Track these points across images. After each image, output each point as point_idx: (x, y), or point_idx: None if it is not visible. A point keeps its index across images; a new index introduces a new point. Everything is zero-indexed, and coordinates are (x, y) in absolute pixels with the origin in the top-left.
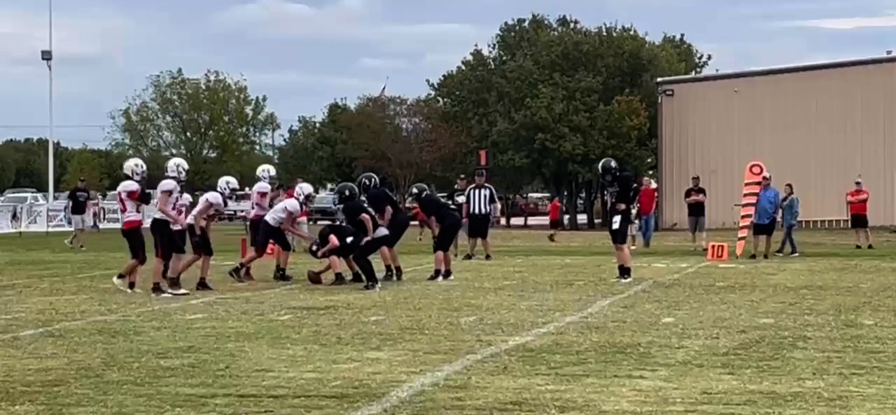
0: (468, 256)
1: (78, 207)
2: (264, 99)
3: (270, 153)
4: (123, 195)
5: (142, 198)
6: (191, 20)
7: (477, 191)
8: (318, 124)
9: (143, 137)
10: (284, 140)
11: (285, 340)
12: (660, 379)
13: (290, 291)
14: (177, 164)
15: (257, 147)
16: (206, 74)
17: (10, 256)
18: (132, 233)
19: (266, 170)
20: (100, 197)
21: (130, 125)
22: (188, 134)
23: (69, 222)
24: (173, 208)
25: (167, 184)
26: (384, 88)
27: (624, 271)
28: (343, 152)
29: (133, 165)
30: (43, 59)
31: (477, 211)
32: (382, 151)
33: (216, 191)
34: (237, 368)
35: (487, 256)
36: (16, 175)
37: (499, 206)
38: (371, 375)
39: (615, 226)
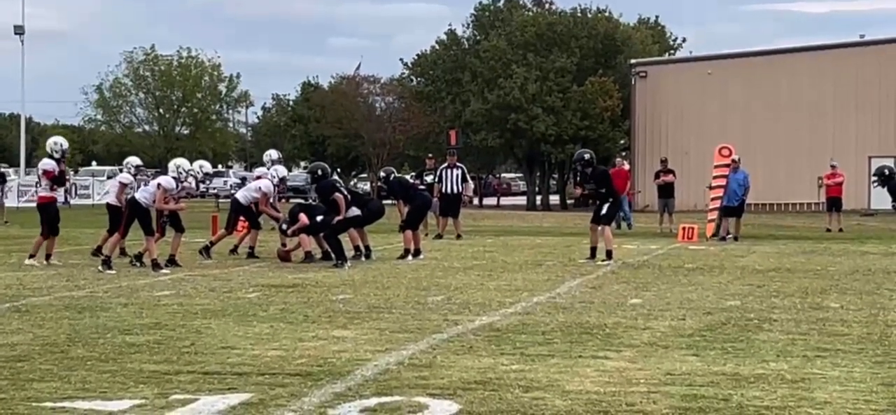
0: (438, 236)
1: None
2: (238, 76)
3: (243, 130)
4: (40, 172)
5: (56, 179)
6: None
7: (449, 170)
8: (291, 102)
9: (115, 113)
10: (257, 118)
11: (252, 317)
12: (624, 360)
13: (259, 268)
14: (177, 165)
15: (230, 124)
16: (178, 51)
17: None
18: (44, 208)
19: (269, 155)
20: (71, 173)
21: (103, 101)
22: (161, 111)
23: None
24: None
25: (167, 182)
26: (358, 67)
27: (609, 254)
28: (316, 131)
29: (52, 143)
30: (15, 33)
31: (449, 191)
32: (355, 129)
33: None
34: (202, 345)
35: (458, 236)
36: None
37: (472, 185)
38: (336, 353)
39: (603, 211)
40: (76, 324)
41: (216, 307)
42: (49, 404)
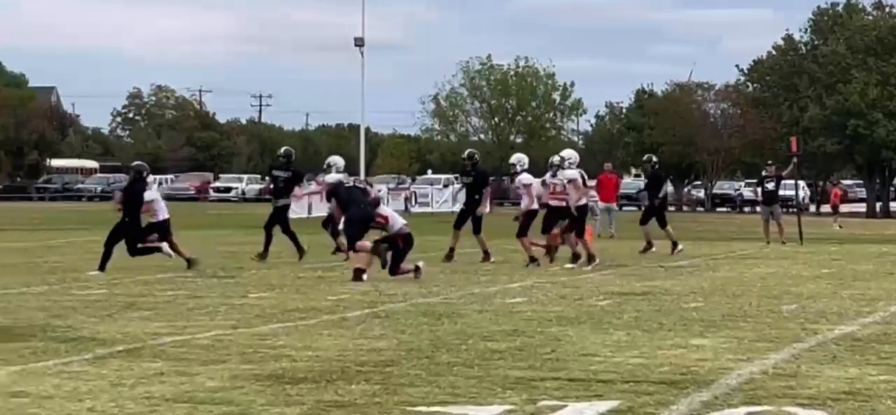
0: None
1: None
2: (572, 85)
3: (575, 139)
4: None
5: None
6: (492, 5)
7: None
8: (624, 110)
9: (451, 123)
10: (590, 126)
11: (607, 325)
12: None
13: (605, 277)
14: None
15: (563, 133)
16: (515, 60)
17: (320, 237)
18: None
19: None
20: (410, 181)
21: (440, 111)
22: (496, 119)
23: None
24: None
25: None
26: (691, 73)
27: None
28: (650, 138)
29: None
30: (355, 45)
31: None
32: (689, 136)
33: None
34: (563, 352)
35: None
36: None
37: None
38: (697, 361)
39: None
40: (437, 330)
41: (570, 315)
42: (423, 409)
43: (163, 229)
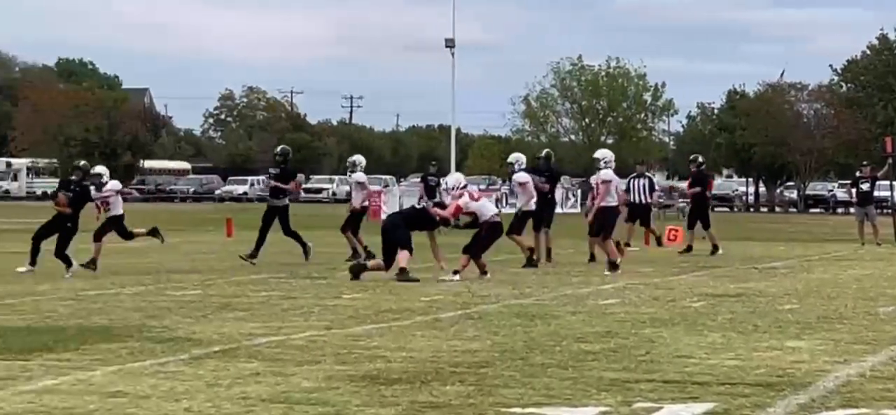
0: (626, 244)
1: (429, 192)
2: (664, 85)
3: (666, 139)
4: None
5: None
6: (583, 5)
7: (637, 180)
8: (715, 110)
9: (542, 124)
10: (682, 126)
11: (701, 327)
12: None
13: (697, 279)
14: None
15: (654, 134)
16: (606, 60)
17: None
18: None
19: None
20: (500, 182)
21: (530, 111)
22: (587, 120)
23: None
24: None
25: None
26: (783, 73)
27: None
28: (742, 139)
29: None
30: (446, 46)
31: (636, 200)
32: (781, 137)
33: None
34: (657, 354)
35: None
36: (418, 160)
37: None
38: (793, 364)
39: None
40: (530, 331)
41: (664, 316)
42: (517, 410)
43: (118, 224)
